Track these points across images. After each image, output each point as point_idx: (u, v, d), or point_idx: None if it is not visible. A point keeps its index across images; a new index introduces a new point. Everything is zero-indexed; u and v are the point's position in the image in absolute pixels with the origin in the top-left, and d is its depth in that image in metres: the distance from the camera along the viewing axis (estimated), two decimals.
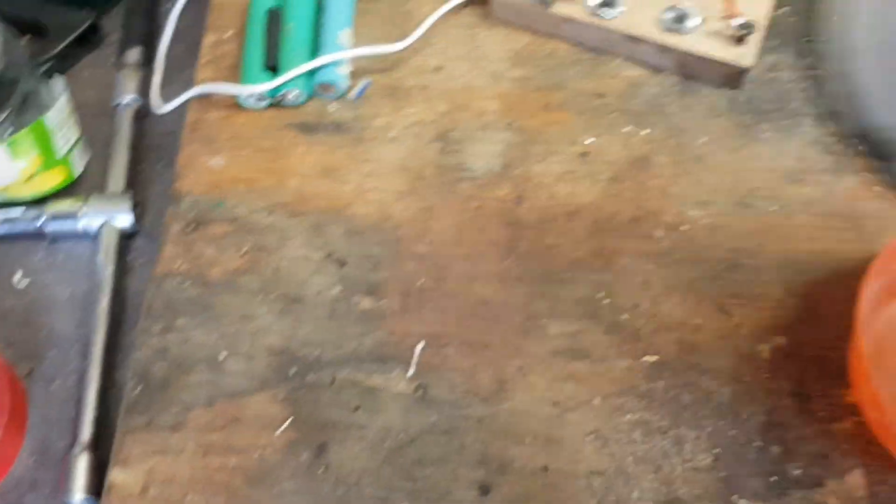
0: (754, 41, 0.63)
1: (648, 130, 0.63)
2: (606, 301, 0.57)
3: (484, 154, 0.64)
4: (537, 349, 0.56)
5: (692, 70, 0.65)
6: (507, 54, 0.68)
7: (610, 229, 0.60)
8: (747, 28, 0.62)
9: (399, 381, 0.56)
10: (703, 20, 0.64)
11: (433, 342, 0.57)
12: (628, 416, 0.53)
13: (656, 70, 0.66)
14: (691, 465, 0.52)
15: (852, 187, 0.60)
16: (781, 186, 0.60)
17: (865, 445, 0.51)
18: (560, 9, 0.66)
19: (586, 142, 0.64)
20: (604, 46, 0.67)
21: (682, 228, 0.60)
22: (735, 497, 0.50)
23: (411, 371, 0.56)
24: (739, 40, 0.63)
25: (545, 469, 0.52)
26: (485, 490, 0.52)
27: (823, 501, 0.50)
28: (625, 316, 0.57)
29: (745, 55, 0.63)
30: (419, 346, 0.57)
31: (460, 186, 0.63)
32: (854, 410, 0.52)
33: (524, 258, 0.59)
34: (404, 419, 0.54)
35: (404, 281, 0.59)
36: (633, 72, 0.66)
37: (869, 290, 0.50)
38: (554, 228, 0.60)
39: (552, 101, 0.66)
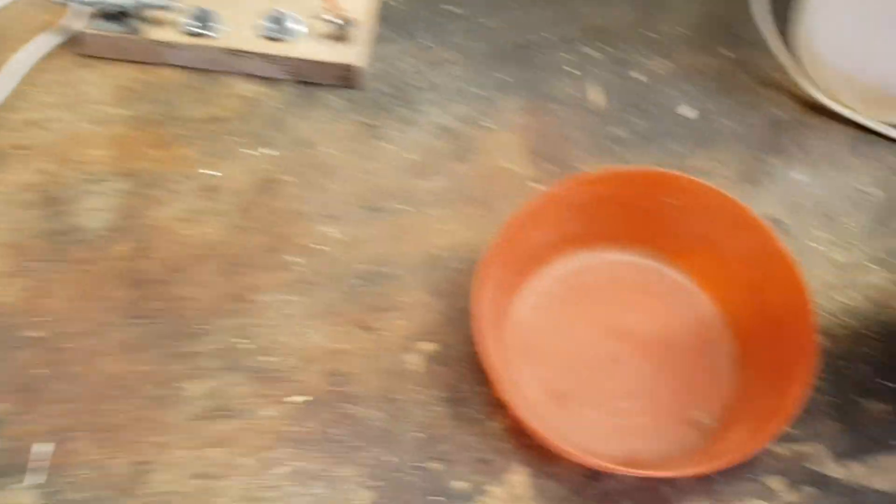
0: (361, 37, 0.59)
1: (271, 149, 0.59)
2: (246, 345, 0.53)
3: (96, 210, 0.57)
4: (176, 418, 0.51)
5: (306, 76, 0.61)
6: (111, 93, 0.62)
7: (244, 266, 0.55)
8: (348, 25, 0.59)
9: (27, 495, 0.49)
10: (306, 23, 0.60)
11: (61, 438, 0.50)
12: (280, 469, 0.49)
13: (272, 82, 0.61)
14: None
15: (480, 169, 0.58)
16: (411, 182, 0.58)
17: (520, 439, 0.50)
18: (154, 34, 0.60)
19: (209, 174, 0.58)
20: (212, 66, 0.62)
21: (317, 248, 0.56)
22: None
23: (41, 479, 0.49)
24: (343, 38, 0.59)
25: None
26: None
27: None
28: (268, 358, 0.52)
29: (352, 53, 0.59)
30: (45, 448, 0.50)
31: (73, 252, 0.56)
32: (504, 404, 0.50)
33: (152, 318, 0.54)
34: None
35: (17, 374, 0.52)
36: (248, 88, 0.61)
37: (484, 280, 0.48)
38: (183, 278, 0.55)
39: (166, 135, 0.60)
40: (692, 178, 0.52)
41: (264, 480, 0.49)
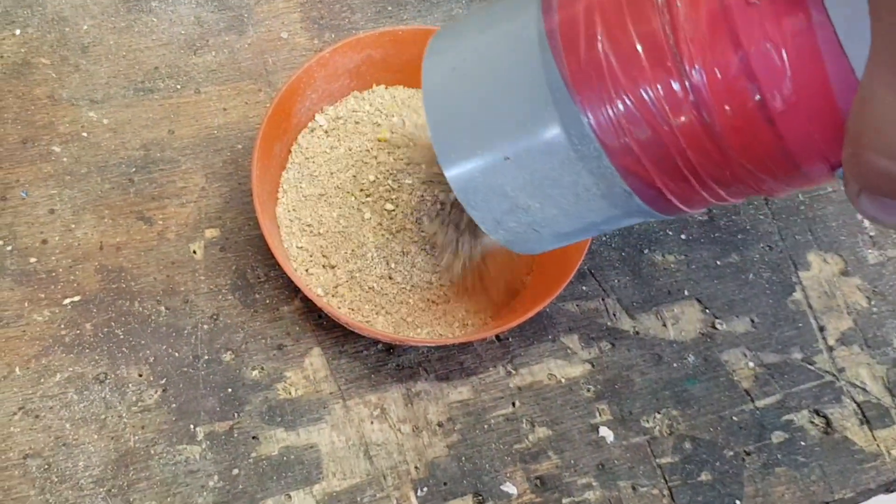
0: None
1: (21, 29, 0.53)
2: (9, 247, 0.48)
3: None
4: None
5: None
6: None
7: None
8: None
9: None
10: None
11: None
12: (58, 377, 0.46)
13: None
14: (139, 408, 0.46)
15: (256, 41, 0.54)
16: (184, 59, 0.53)
17: (316, 322, 0.48)
18: None
19: None
20: None
21: (82, 136, 0.51)
22: (192, 426, 0.45)
23: None
24: None
25: None
26: None
27: (286, 396, 0.46)
28: (33, 259, 0.48)
29: None
30: None
31: None
32: (294, 286, 0.49)
33: None
34: None
35: None
36: None
37: (260, 157, 0.45)
38: None
39: None
40: None
41: (42, 389, 0.46)
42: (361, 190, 0.48)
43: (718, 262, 0.53)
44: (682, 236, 0.53)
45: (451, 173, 0.34)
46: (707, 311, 0.51)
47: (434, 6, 0.58)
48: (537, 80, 0.31)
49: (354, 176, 0.48)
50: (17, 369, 0.46)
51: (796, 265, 0.53)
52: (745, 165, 0.29)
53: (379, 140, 0.49)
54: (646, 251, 0.53)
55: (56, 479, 0.44)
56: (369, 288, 0.46)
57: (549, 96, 0.31)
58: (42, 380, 0.46)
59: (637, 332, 0.50)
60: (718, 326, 0.51)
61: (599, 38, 0.29)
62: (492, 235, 0.36)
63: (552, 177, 0.32)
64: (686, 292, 0.52)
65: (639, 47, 0.28)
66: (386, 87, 0.51)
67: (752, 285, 0.52)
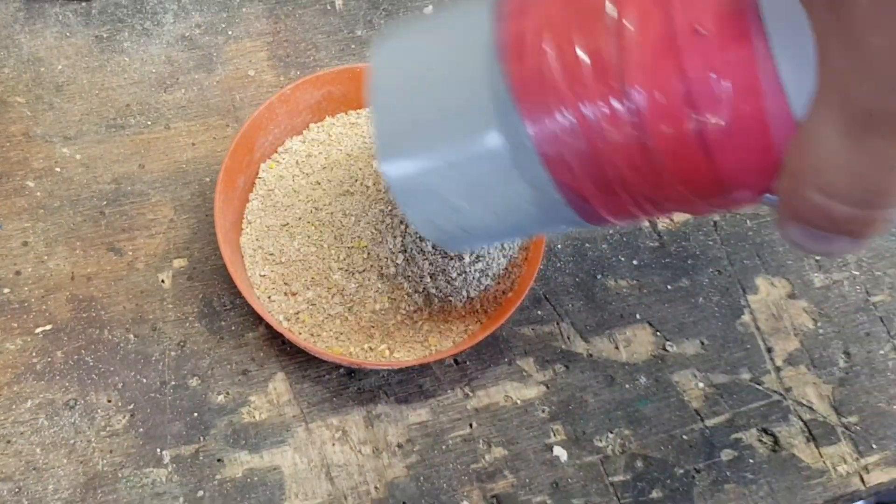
0: None
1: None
2: None
3: None
4: None
5: None
6: None
7: None
8: None
9: None
10: None
11: None
12: (29, 403, 0.48)
13: None
14: (108, 432, 0.47)
15: (224, 79, 0.56)
16: (154, 96, 0.55)
17: (280, 348, 0.50)
18: None
19: None
20: None
21: (55, 171, 0.53)
22: (158, 450, 0.47)
23: None
24: None
25: None
26: None
27: (250, 419, 0.48)
28: (7, 290, 0.50)
29: None
30: None
31: None
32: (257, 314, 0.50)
33: None
34: None
35: None
36: None
37: (223, 189, 0.47)
38: None
39: None
40: None
41: (14, 415, 0.47)
42: (319, 220, 0.50)
43: (669, 287, 0.55)
44: (634, 262, 0.55)
45: (388, 170, 0.34)
46: (658, 333, 0.53)
47: None
48: (482, 87, 0.31)
49: (315, 205, 0.50)
50: None
51: (745, 289, 0.55)
52: (677, 187, 0.30)
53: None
54: (599, 276, 0.55)
55: (26, 503, 0.45)
56: (328, 314, 0.48)
57: (493, 103, 0.31)
58: (14, 406, 0.47)
59: (590, 355, 0.52)
60: (669, 348, 0.53)
61: (547, 50, 0.30)
62: (423, 234, 0.37)
63: (488, 182, 0.33)
64: (638, 315, 0.54)
65: (584, 63, 0.29)
66: (345, 114, 0.53)
67: (702, 308, 0.54)
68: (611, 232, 0.56)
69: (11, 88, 0.54)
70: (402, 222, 0.48)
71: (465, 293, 0.50)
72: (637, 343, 0.53)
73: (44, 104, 0.54)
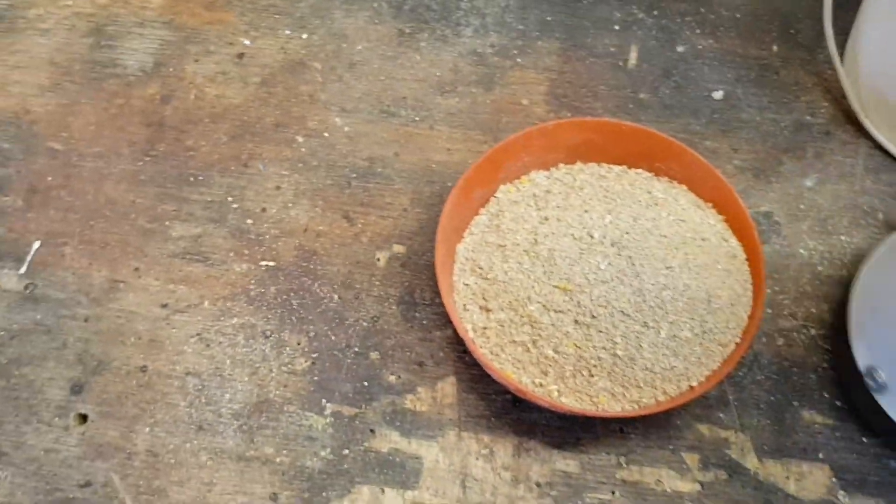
0: None
1: (309, 34, 0.62)
2: (236, 205, 0.56)
3: (138, 51, 0.61)
4: (157, 251, 0.55)
5: None
6: None
7: (253, 134, 0.59)
8: None
9: (9, 279, 0.53)
10: None
11: (52, 241, 0.55)
12: (235, 320, 0.53)
13: None
14: (288, 369, 0.51)
15: (498, 100, 0.59)
16: (430, 97, 0.60)
17: (460, 355, 0.52)
18: None
19: (245, 43, 0.61)
20: None
21: (324, 135, 0.58)
22: (324, 401, 0.50)
23: (23, 269, 0.54)
24: None
25: (143, 369, 0.51)
26: (77, 389, 0.50)
27: (411, 407, 0.50)
28: (250, 221, 0.56)
29: None
30: (35, 244, 0.54)
31: (108, 83, 0.60)
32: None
33: (160, 159, 0.57)
34: (7, 317, 0.52)
35: (32, 177, 0.57)
36: None
37: (457, 198, 0.50)
38: (196, 130, 0.58)
39: (217, 0, 0.63)
40: (683, 145, 0.53)
41: (219, 326, 0.52)
42: (535, 252, 0.52)
43: (864, 440, 0.51)
44: (838, 403, 0.52)
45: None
46: (835, 479, 0.50)
47: (675, 116, 0.61)
48: None
49: (536, 237, 0.52)
50: (206, 302, 0.53)
51: None
52: None
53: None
54: (796, 403, 0.52)
55: (204, 401, 0.50)
56: (513, 339, 0.50)
57: None
58: (222, 318, 0.52)
59: (757, 474, 0.50)
60: (842, 498, 0.49)
61: None
62: None
63: None
64: (821, 455, 0.51)
65: None
66: (597, 165, 0.55)
67: (893, 473, 0.50)
68: (824, 366, 0.53)
69: (314, 54, 0.61)
70: (607, 280, 0.49)
71: (649, 366, 0.49)
72: (810, 481, 0.50)
73: (335, 75, 0.60)
